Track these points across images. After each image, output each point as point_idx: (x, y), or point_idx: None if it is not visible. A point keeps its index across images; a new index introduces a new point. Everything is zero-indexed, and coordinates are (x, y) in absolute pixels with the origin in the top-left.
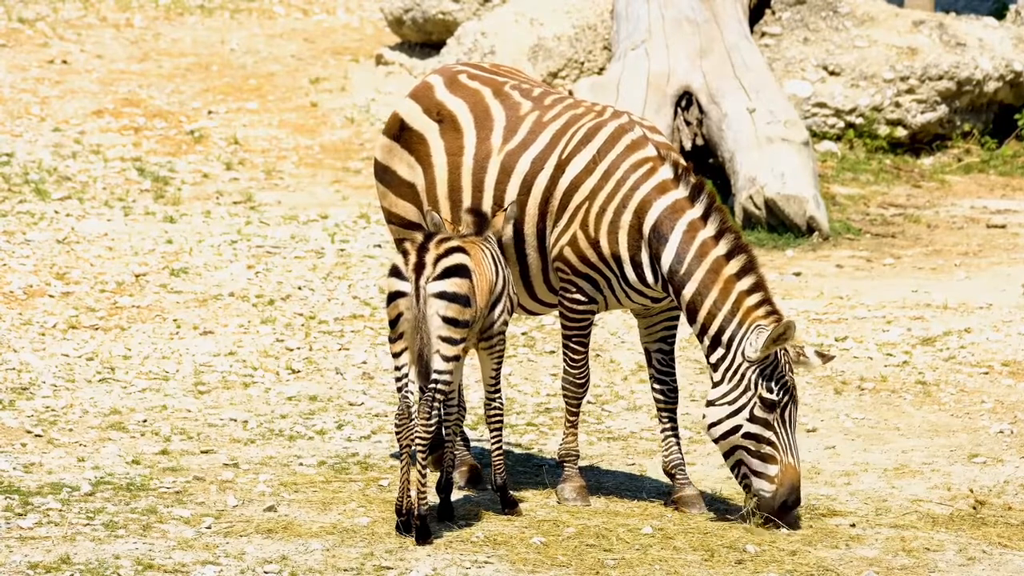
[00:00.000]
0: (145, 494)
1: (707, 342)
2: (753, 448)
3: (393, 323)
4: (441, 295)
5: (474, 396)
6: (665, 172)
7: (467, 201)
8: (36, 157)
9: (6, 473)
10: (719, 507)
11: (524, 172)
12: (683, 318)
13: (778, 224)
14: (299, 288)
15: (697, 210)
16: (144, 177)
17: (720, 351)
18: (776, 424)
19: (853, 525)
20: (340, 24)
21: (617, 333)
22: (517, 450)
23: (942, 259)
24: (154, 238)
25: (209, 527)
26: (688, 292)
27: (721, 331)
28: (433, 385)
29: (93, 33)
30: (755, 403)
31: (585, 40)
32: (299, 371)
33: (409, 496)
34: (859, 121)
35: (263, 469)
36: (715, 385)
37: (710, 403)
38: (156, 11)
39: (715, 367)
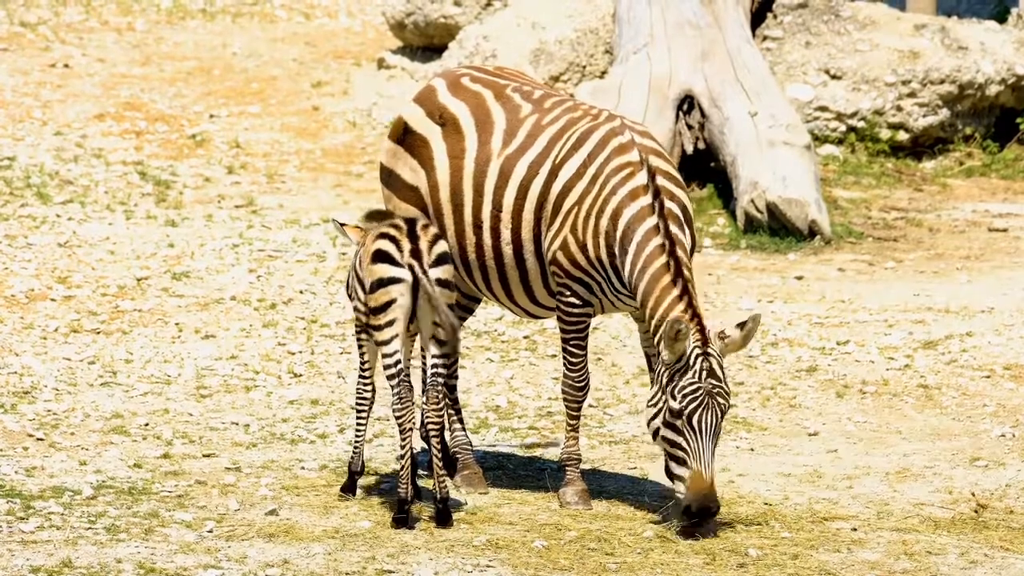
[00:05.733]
0: (147, 498)
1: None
2: (669, 450)
3: (381, 310)
4: (437, 282)
5: (475, 399)
6: (640, 179)
7: (468, 205)
8: (38, 161)
9: (8, 477)
10: (721, 511)
11: (521, 176)
12: None
13: (780, 228)
14: (301, 292)
15: (654, 219)
16: (146, 181)
17: (656, 352)
18: (685, 431)
19: (855, 529)
20: (342, 28)
21: (619, 337)
22: (520, 452)
23: (944, 263)
24: (156, 242)
25: (211, 531)
26: (639, 296)
27: (656, 332)
28: (436, 371)
29: (95, 37)
30: (667, 407)
31: (587, 44)
32: (301, 375)
33: (414, 484)
34: (861, 125)
35: (265, 473)
36: (651, 385)
37: (647, 403)
38: (158, 15)
39: (653, 371)
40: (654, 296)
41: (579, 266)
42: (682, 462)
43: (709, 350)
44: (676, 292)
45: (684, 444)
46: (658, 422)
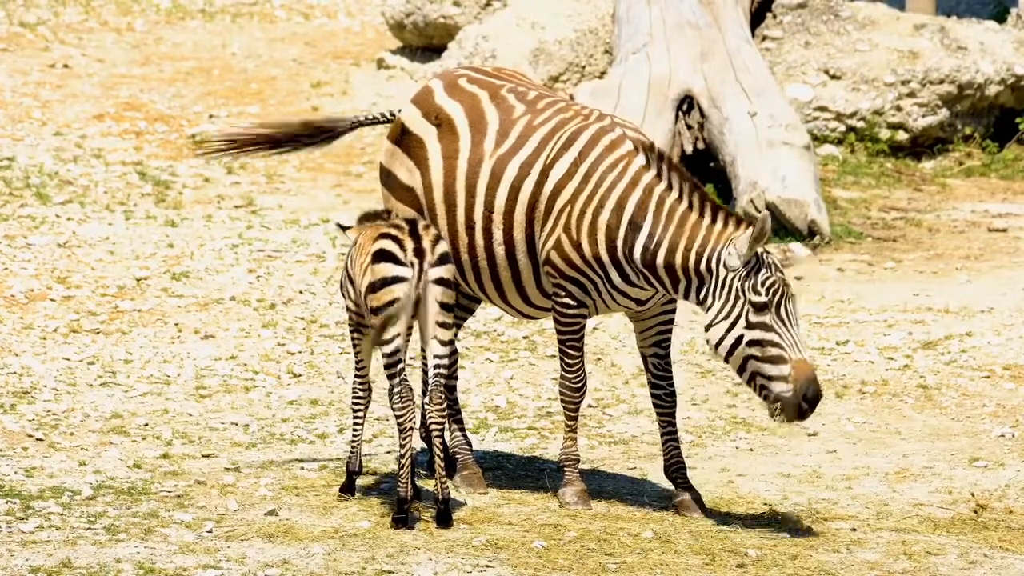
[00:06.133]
0: (146, 498)
1: (694, 288)
2: (760, 354)
3: (383, 309)
4: (439, 281)
5: (475, 400)
6: (638, 162)
7: (461, 205)
8: (37, 161)
9: (7, 477)
10: (720, 511)
11: (512, 177)
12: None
13: (779, 228)
14: (300, 292)
15: (663, 183)
16: (145, 181)
17: (706, 280)
18: (775, 324)
19: (854, 529)
20: (341, 28)
21: (618, 337)
22: (519, 453)
23: (943, 263)
24: (155, 242)
25: (210, 531)
26: (662, 258)
27: (699, 262)
28: (437, 370)
29: (94, 37)
30: (748, 309)
31: (586, 44)
32: (300, 375)
33: (413, 485)
34: (860, 125)
35: (264, 473)
36: (708, 309)
37: (708, 326)
38: (157, 15)
39: (705, 299)
40: (685, 234)
41: (574, 266)
42: (778, 359)
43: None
44: (710, 219)
45: (777, 339)
46: (739, 330)
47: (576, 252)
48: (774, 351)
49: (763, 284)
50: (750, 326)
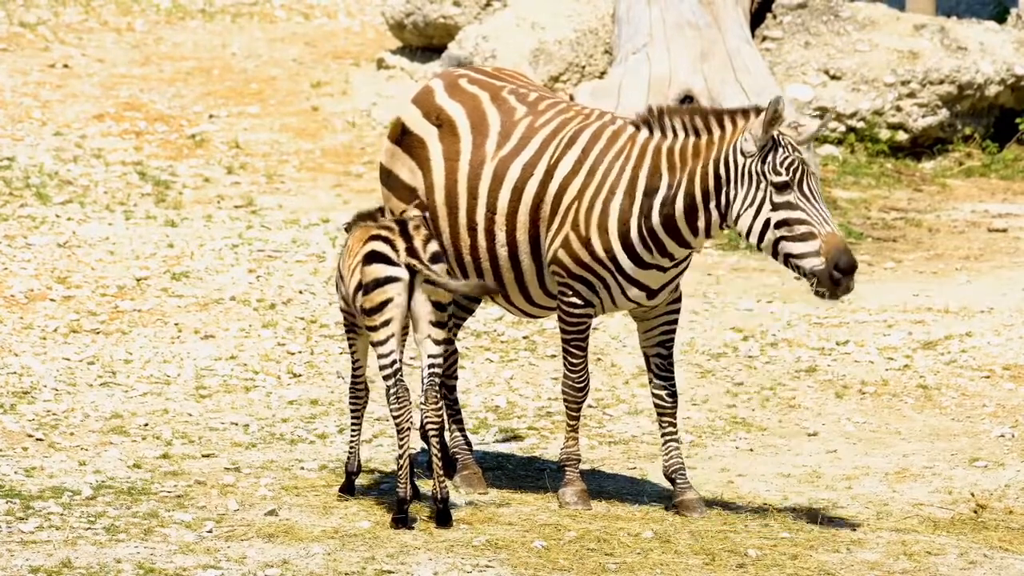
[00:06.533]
0: (146, 498)
1: (713, 204)
2: (789, 234)
3: (377, 309)
4: (429, 280)
5: (474, 400)
6: (640, 137)
7: (462, 207)
8: (37, 161)
9: (7, 477)
10: (720, 511)
11: (515, 179)
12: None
13: None
14: (300, 292)
15: (667, 136)
16: (145, 181)
17: (723, 181)
18: (799, 202)
19: (854, 529)
20: (341, 28)
21: (618, 337)
22: (519, 453)
23: (943, 263)
24: (155, 242)
25: (210, 531)
26: (681, 200)
27: (717, 169)
28: (432, 370)
29: (94, 37)
30: (771, 191)
31: (586, 44)
32: (300, 375)
33: (412, 484)
34: (860, 125)
35: (264, 473)
36: (732, 202)
37: (736, 217)
38: (157, 15)
39: (727, 197)
40: (700, 162)
41: (582, 263)
42: (807, 235)
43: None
44: (719, 131)
45: (804, 215)
46: (765, 213)
47: (585, 248)
48: (802, 228)
49: (782, 163)
50: (775, 207)
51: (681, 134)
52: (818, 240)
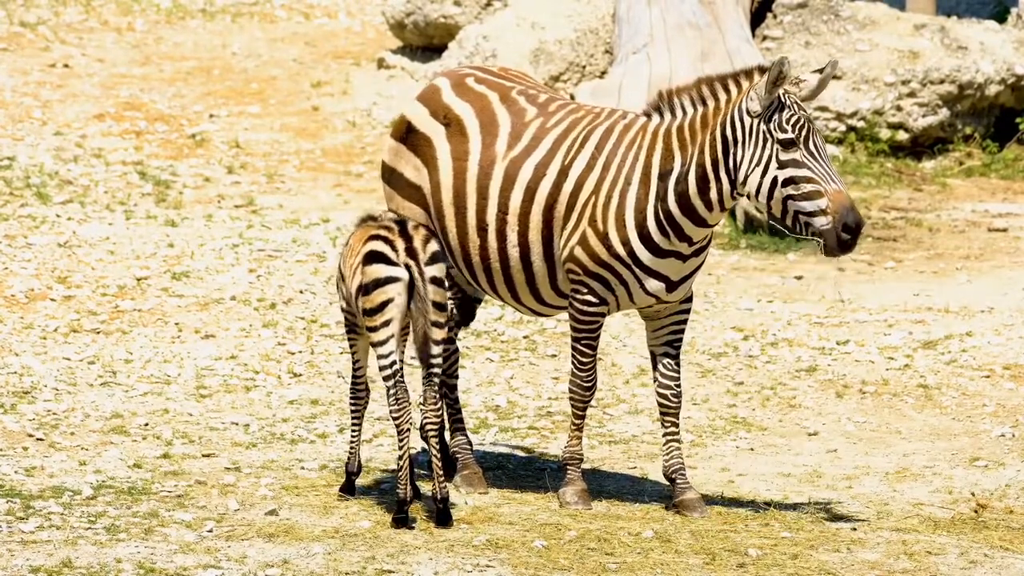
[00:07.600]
0: (147, 498)
1: (722, 166)
2: (796, 192)
3: (377, 310)
4: (432, 280)
5: (475, 399)
6: (652, 124)
7: (471, 207)
8: (38, 161)
9: (8, 477)
10: (720, 511)
11: (527, 179)
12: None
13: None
14: (301, 292)
15: (676, 116)
16: (145, 181)
17: (730, 142)
18: (805, 159)
19: (855, 528)
20: (342, 28)
21: (619, 337)
22: (519, 453)
23: (943, 263)
24: (155, 242)
25: (211, 531)
26: (694, 173)
27: (723, 131)
28: (433, 369)
29: (95, 37)
30: (777, 149)
31: (587, 44)
32: (301, 375)
33: (413, 484)
34: (860, 125)
35: (265, 473)
36: (739, 163)
37: (745, 179)
38: (157, 15)
39: (735, 159)
40: (708, 131)
41: (599, 260)
42: (815, 194)
43: (789, 88)
44: (725, 96)
45: (810, 173)
46: (772, 172)
47: (602, 243)
48: (809, 187)
49: (788, 121)
50: (781, 165)
51: (690, 110)
52: (825, 198)
